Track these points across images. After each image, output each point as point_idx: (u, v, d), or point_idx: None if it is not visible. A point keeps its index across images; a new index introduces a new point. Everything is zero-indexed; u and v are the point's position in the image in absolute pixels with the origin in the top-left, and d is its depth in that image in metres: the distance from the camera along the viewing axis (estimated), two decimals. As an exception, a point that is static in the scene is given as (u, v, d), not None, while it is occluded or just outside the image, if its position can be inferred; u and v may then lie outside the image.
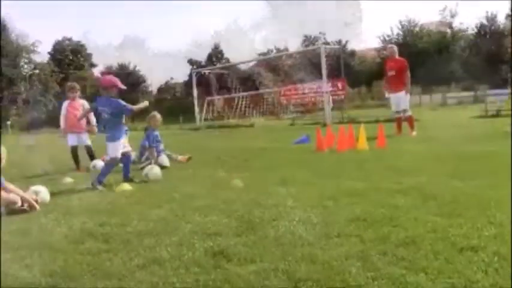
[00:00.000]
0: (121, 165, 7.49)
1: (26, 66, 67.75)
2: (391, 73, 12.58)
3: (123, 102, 7.10)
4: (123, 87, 7.30)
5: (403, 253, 2.94)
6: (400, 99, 12.39)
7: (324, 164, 7.45)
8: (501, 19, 55.61)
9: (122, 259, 3.26)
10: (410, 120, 12.33)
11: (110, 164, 7.16)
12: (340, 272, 2.74)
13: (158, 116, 9.52)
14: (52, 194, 5.94)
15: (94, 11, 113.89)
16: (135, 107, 7.26)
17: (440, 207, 4.06)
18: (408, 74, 12.46)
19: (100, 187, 6.62)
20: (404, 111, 12.37)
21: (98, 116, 7.26)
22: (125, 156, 7.32)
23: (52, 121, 56.54)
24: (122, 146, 7.23)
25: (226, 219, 4.14)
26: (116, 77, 7.56)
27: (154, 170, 7.54)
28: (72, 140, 9.52)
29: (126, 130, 7.74)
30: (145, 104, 7.56)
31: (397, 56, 12.90)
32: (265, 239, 3.48)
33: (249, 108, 30.07)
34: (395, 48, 13.26)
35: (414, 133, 11.85)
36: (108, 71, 68.26)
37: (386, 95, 13.12)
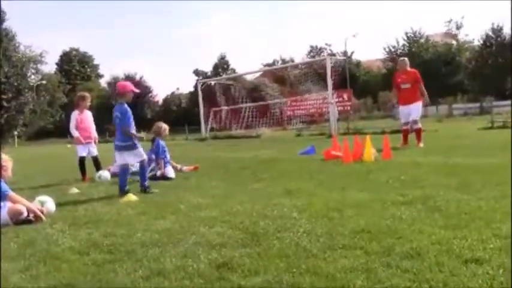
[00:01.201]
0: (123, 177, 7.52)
1: (33, 76, 68.19)
2: (405, 86, 12.34)
3: (128, 112, 7.28)
4: (137, 90, 7.62)
5: (408, 265, 2.94)
6: (412, 111, 12.23)
7: (329, 175, 7.45)
8: (507, 30, 55.55)
9: (127, 270, 3.26)
10: (418, 132, 12.22)
11: (144, 167, 7.33)
12: (344, 284, 2.73)
13: (166, 126, 9.57)
14: (58, 205, 5.97)
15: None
16: (132, 131, 7.30)
17: (445, 219, 4.04)
18: (422, 84, 12.34)
19: (153, 190, 7.06)
20: (415, 122, 12.21)
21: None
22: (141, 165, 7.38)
23: (59, 131, 56.92)
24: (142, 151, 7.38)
25: (231, 231, 4.15)
26: (129, 82, 7.86)
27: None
28: (82, 150, 9.60)
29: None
30: (140, 135, 7.59)
31: (408, 68, 12.64)
32: (270, 250, 3.48)
33: (255, 119, 30.11)
34: (407, 60, 12.92)
35: (421, 144, 11.78)
36: (115, 81, 68.76)
37: (400, 107, 12.86)
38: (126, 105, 7.31)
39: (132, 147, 7.22)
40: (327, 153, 10.15)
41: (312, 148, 12.03)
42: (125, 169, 7.27)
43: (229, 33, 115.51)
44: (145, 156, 7.42)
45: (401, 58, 13.35)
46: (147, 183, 7.22)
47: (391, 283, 2.70)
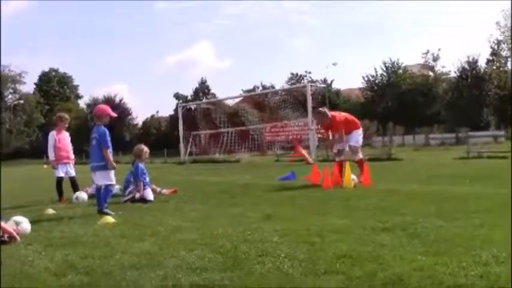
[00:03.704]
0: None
1: (10, 96, 67.49)
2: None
3: (107, 134, 7.33)
4: (114, 115, 7.69)
5: (390, 291, 2.93)
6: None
7: (309, 201, 7.45)
8: (482, 63, 57.03)
9: (105, 292, 3.19)
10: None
11: (108, 190, 7.30)
12: (327, 309, 2.71)
13: (146, 148, 9.50)
14: (33, 225, 5.83)
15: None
16: (109, 155, 7.29)
17: (426, 246, 4.06)
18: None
19: (108, 211, 6.94)
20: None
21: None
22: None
23: (35, 152, 56.07)
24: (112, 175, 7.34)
25: (212, 254, 4.09)
26: (107, 106, 7.88)
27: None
28: (59, 171, 9.45)
29: None
30: (113, 164, 7.39)
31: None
32: (251, 274, 3.44)
33: (235, 144, 30.09)
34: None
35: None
36: (95, 103, 68.35)
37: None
38: (103, 127, 7.34)
39: (104, 168, 7.24)
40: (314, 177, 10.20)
41: (292, 174, 12.04)
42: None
43: (210, 59, 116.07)
44: (113, 182, 7.39)
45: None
46: (106, 207, 7.10)
47: (374, 308, 2.68)
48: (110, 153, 7.28)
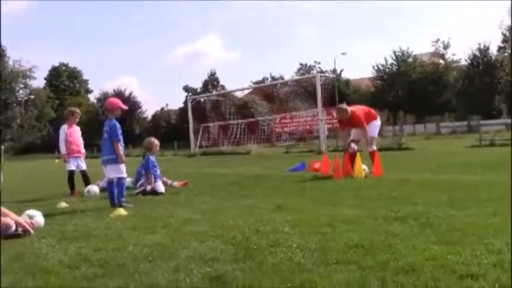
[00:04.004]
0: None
1: (21, 91, 67.89)
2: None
3: (118, 127, 7.30)
4: (125, 107, 7.67)
5: (403, 280, 2.92)
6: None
7: (320, 192, 7.45)
8: (493, 51, 56.39)
9: (118, 284, 3.21)
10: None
11: (121, 184, 7.26)
12: (339, 299, 2.71)
13: (156, 141, 9.53)
14: (47, 219, 5.88)
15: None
16: (120, 149, 7.27)
17: (438, 235, 4.04)
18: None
19: (126, 204, 6.99)
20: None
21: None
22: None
23: (47, 146, 56.44)
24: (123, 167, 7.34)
25: (223, 245, 4.11)
26: (118, 99, 7.90)
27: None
28: (71, 165, 9.54)
29: None
30: (122, 158, 7.34)
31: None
32: (264, 265, 3.44)
33: (244, 136, 30.11)
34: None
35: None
36: (104, 97, 68.60)
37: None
38: (115, 121, 7.34)
39: (115, 161, 7.23)
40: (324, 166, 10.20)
41: (302, 165, 12.03)
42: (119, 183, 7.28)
43: (219, 51, 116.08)
44: (124, 175, 7.38)
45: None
46: (123, 201, 7.14)
47: (386, 298, 2.67)
48: (121, 146, 7.28)
